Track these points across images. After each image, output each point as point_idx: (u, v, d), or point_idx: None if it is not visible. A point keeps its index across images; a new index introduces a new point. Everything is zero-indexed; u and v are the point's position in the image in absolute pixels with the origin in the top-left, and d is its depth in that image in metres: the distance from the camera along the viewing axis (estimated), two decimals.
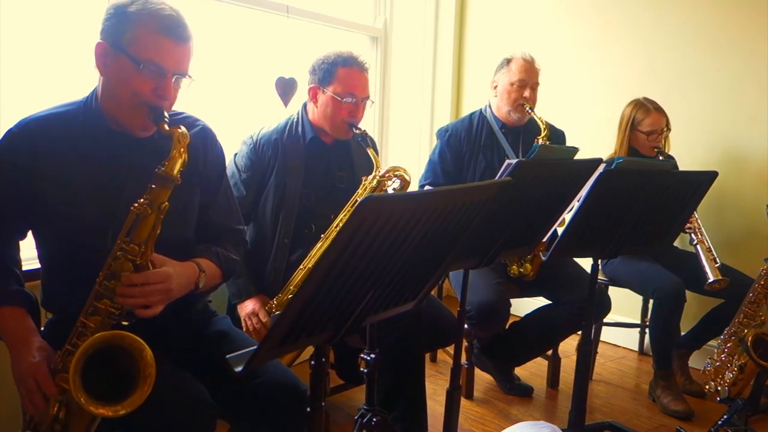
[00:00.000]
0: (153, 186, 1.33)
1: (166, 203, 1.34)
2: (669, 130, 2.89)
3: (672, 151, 2.92)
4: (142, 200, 1.32)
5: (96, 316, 1.31)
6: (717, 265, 2.60)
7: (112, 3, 1.43)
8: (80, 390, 1.19)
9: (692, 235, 2.67)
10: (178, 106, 1.53)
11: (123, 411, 1.20)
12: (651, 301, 3.17)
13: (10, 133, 1.43)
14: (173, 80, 1.42)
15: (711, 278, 2.56)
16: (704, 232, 2.69)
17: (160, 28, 1.38)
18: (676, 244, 2.96)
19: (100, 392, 1.21)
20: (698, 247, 2.64)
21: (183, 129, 1.37)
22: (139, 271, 1.33)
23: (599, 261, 2.17)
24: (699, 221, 2.70)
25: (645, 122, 2.83)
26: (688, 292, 2.69)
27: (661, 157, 2.81)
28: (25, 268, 1.52)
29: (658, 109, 2.86)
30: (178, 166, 1.34)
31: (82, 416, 1.28)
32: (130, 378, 1.24)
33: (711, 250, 2.63)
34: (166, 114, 1.39)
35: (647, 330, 3.32)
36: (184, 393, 1.39)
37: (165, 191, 1.33)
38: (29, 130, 1.42)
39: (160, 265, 1.37)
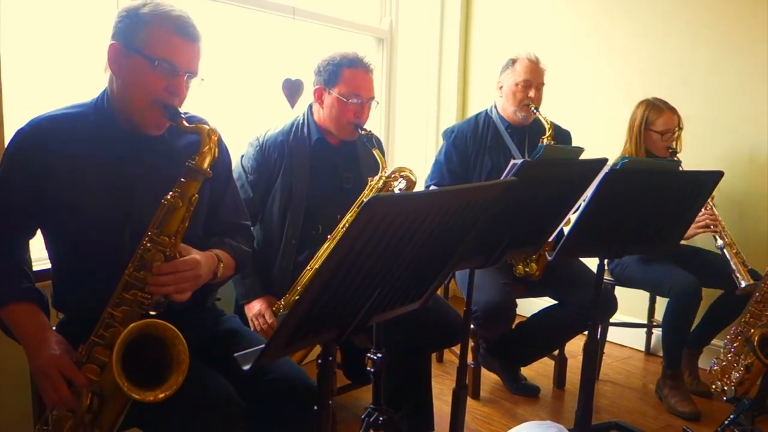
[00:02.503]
0: (183, 179, 1.37)
1: (196, 196, 1.38)
2: (681, 129, 2.87)
3: (681, 149, 2.90)
4: (172, 193, 1.36)
5: (123, 307, 1.34)
6: (748, 268, 2.53)
7: (124, 6, 1.48)
8: (123, 377, 1.22)
9: (718, 237, 2.61)
10: (186, 107, 1.55)
11: (162, 395, 1.25)
12: (657, 300, 3.19)
13: (21, 132, 1.45)
14: (185, 79, 1.45)
15: (743, 284, 2.48)
16: (729, 233, 2.62)
17: (172, 27, 1.43)
18: (686, 242, 2.97)
19: (132, 379, 1.25)
20: (726, 251, 2.57)
21: (211, 125, 1.42)
22: (168, 261, 1.37)
23: (606, 262, 2.17)
24: (724, 224, 2.64)
25: (658, 122, 2.82)
26: None
27: (675, 157, 2.78)
28: (35, 268, 1.53)
29: (671, 108, 2.85)
30: (208, 160, 1.38)
31: (114, 405, 1.31)
32: (158, 366, 1.28)
33: (740, 254, 2.56)
34: (181, 111, 1.43)
35: (653, 330, 3.33)
36: (211, 389, 1.41)
37: (195, 184, 1.38)
38: (40, 130, 1.45)
39: (187, 253, 1.42)
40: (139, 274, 1.34)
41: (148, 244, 1.35)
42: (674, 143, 2.85)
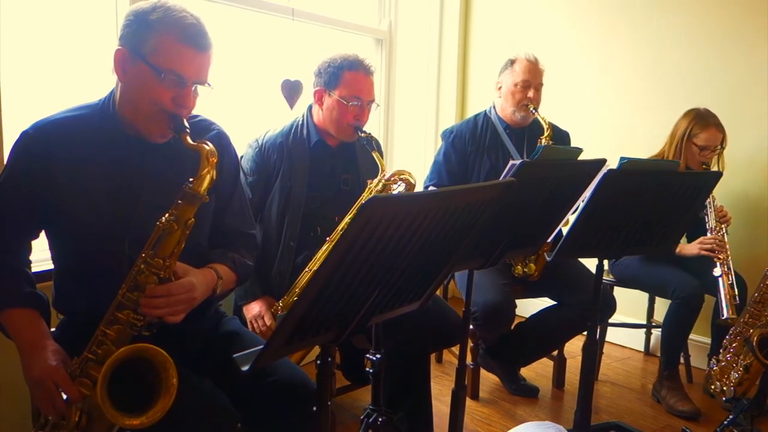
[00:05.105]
0: (180, 201, 1.33)
1: (192, 219, 1.34)
2: (723, 147, 2.79)
3: (724, 167, 2.83)
4: (168, 215, 1.32)
5: (116, 326, 1.32)
6: (736, 303, 2.50)
7: (132, 9, 1.42)
8: (107, 403, 1.20)
9: (719, 265, 2.58)
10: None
11: (147, 421, 1.22)
12: (657, 300, 3.19)
13: (25, 135, 1.43)
14: (193, 89, 1.42)
15: (725, 315, 2.47)
16: (732, 265, 2.60)
17: (183, 37, 1.37)
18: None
19: (121, 401, 1.23)
20: (721, 280, 2.55)
21: (211, 146, 1.36)
22: (162, 283, 1.33)
23: (605, 262, 2.17)
24: (729, 252, 2.63)
25: (701, 136, 2.75)
26: None
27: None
28: (37, 269, 1.52)
29: (718, 125, 2.77)
30: (206, 184, 1.34)
31: (102, 424, 1.29)
32: (150, 387, 1.26)
33: (733, 286, 2.54)
34: (186, 123, 1.39)
35: (653, 330, 3.33)
36: (205, 399, 1.40)
37: (191, 208, 1.33)
38: (44, 133, 1.42)
39: (183, 274, 1.38)
40: (132, 296, 1.31)
41: (142, 266, 1.32)
42: (711, 160, 2.77)
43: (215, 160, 1.36)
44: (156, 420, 1.23)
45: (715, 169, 2.79)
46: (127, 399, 1.25)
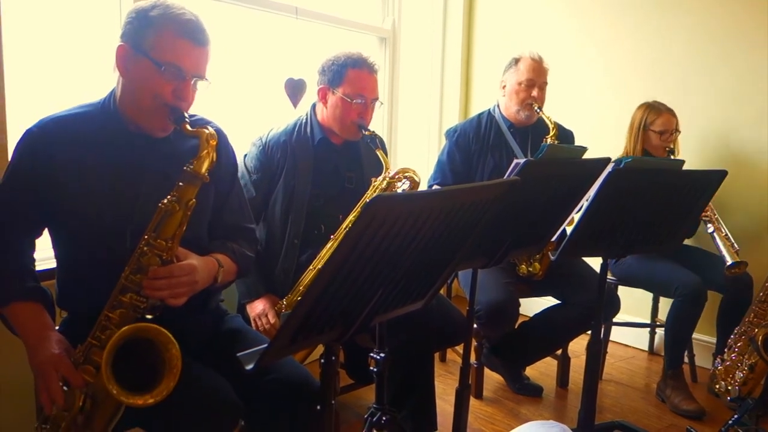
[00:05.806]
0: (180, 183, 1.37)
1: (194, 200, 1.38)
2: (678, 131, 2.93)
3: (679, 152, 2.93)
4: (170, 197, 1.36)
5: (120, 310, 1.34)
6: (736, 250, 2.63)
7: (133, 7, 1.47)
8: (112, 380, 1.22)
9: (708, 223, 2.72)
10: (192, 107, 1.55)
11: (152, 400, 1.24)
12: (661, 299, 3.19)
13: (29, 133, 1.46)
14: (192, 82, 1.46)
15: (729, 261, 2.59)
16: (720, 220, 2.73)
17: (181, 31, 1.42)
18: (689, 242, 2.97)
19: (126, 382, 1.24)
20: (715, 234, 2.68)
21: (211, 129, 1.42)
22: (165, 266, 1.36)
23: (609, 261, 2.16)
24: (714, 210, 2.75)
25: (657, 122, 2.88)
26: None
27: (671, 157, 2.83)
28: (40, 267, 1.53)
29: (669, 110, 2.91)
30: (206, 165, 1.38)
31: (106, 407, 1.30)
32: (153, 369, 1.28)
33: (728, 237, 2.67)
34: (186, 114, 1.43)
35: (657, 330, 3.33)
36: (208, 389, 1.41)
37: (192, 188, 1.38)
38: (47, 131, 1.45)
39: (184, 258, 1.41)
40: (135, 278, 1.34)
41: (145, 248, 1.35)
42: (672, 144, 2.91)
43: (215, 143, 1.41)
44: (161, 398, 1.24)
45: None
46: (131, 382, 1.25)
